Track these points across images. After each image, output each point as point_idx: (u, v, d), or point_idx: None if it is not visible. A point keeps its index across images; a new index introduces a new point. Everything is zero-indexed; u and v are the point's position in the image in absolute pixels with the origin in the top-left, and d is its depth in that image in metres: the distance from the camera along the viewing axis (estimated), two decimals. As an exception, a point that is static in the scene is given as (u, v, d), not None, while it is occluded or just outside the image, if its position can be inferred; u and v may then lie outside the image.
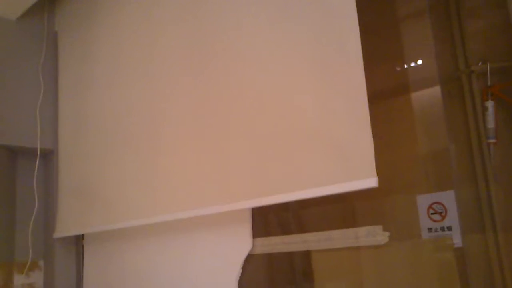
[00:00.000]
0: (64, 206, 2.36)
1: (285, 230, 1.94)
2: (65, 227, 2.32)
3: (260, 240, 1.50)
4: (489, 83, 1.51)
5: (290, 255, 1.63)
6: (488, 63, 1.51)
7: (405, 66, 1.65)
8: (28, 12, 2.39)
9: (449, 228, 1.50)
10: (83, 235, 2.44)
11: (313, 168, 1.30)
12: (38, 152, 2.40)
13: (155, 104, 1.88)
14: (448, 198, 1.52)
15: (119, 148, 2.05)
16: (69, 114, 2.42)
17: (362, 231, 1.24)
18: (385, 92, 1.63)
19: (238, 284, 1.57)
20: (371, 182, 1.16)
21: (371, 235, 1.21)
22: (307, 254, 1.39)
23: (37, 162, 2.41)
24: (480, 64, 1.53)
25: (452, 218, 1.50)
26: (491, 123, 1.49)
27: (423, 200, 1.57)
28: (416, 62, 1.63)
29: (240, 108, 1.55)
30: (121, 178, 2.01)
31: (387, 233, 1.17)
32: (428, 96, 1.60)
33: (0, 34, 2.36)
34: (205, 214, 1.60)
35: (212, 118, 1.64)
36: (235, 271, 1.57)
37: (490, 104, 1.49)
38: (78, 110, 2.35)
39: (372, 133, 1.18)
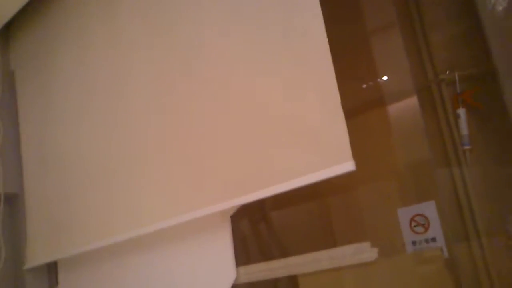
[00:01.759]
0: (34, 235, 2.27)
1: (267, 255, 1.90)
2: (36, 256, 2.23)
3: (243, 269, 1.45)
4: (458, 91, 1.52)
5: (275, 281, 1.59)
6: (455, 71, 1.53)
7: (378, 80, 1.66)
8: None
9: (433, 240, 1.49)
10: (56, 265, 2.33)
11: (289, 160, 1.29)
12: (2, 198, 2.29)
13: (120, 117, 1.87)
14: (429, 208, 1.51)
15: (86, 172, 2.01)
16: (33, 154, 2.33)
17: (349, 249, 1.21)
18: (360, 107, 1.63)
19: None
20: (348, 166, 1.16)
21: (358, 252, 1.18)
22: (293, 279, 1.35)
23: (0, 208, 2.29)
24: (447, 72, 1.55)
25: (435, 229, 1.48)
26: (464, 130, 1.50)
27: (405, 213, 1.55)
28: (388, 74, 1.64)
29: (208, 110, 1.54)
30: (91, 198, 1.97)
31: (376, 249, 1.15)
32: (402, 108, 1.60)
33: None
34: (181, 227, 1.57)
35: (179, 121, 1.62)
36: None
37: (461, 111, 1.50)
38: (43, 148, 2.27)
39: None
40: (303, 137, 1.27)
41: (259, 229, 1.94)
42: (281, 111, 1.33)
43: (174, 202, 1.60)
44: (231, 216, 1.53)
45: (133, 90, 1.83)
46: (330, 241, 1.80)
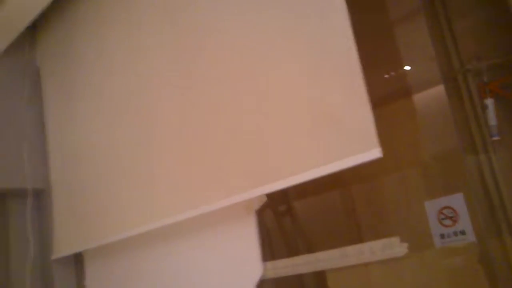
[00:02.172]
0: (60, 227, 2.30)
1: (292, 249, 1.89)
2: (63, 246, 2.26)
3: (270, 264, 1.44)
4: (485, 80, 1.49)
5: (301, 277, 1.59)
6: (482, 61, 1.50)
7: (403, 69, 1.63)
8: (8, 50, 2.35)
9: (462, 232, 1.47)
10: (82, 256, 2.36)
11: (314, 148, 1.27)
12: (29, 193, 2.33)
13: (144, 113, 1.87)
14: (457, 201, 1.49)
15: (110, 165, 2.02)
16: (58, 150, 2.37)
17: (377, 244, 1.19)
18: (386, 98, 1.61)
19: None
20: (375, 152, 1.13)
21: (387, 248, 1.17)
22: (320, 274, 1.34)
23: (28, 204, 2.34)
24: (474, 62, 1.52)
25: (464, 222, 1.46)
26: (493, 120, 1.46)
27: (432, 206, 1.53)
28: (414, 64, 1.62)
29: (230, 98, 1.52)
30: (116, 190, 1.98)
31: (405, 244, 1.13)
32: (428, 98, 1.57)
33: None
34: (207, 220, 1.57)
35: (202, 110, 1.62)
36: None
37: (489, 101, 1.47)
38: (67, 143, 2.30)
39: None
40: (328, 125, 1.25)
41: (284, 222, 1.94)
42: (305, 98, 1.32)
43: (199, 192, 1.60)
44: (256, 211, 1.53)
45: (154, 84, 1.83)
46: (355, 234, 1.79)
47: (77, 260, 2.40)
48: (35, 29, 2.55)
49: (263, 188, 1.38)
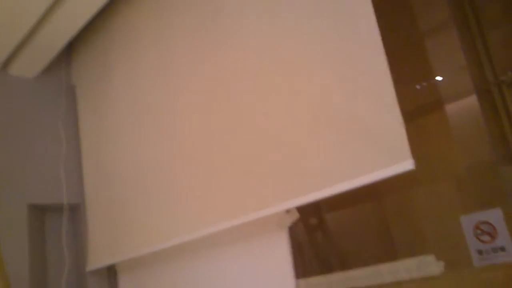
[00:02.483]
0: (95, 240, 2.35)
1: (325, 265, 1.87)
2: (97, 259, 2.30)
3: (303, 281, 1.43)
4: (522, 92, 1.45)
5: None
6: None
7: (435, 82, 1.61)
8: (46, 69, 2.42)
9: (502, 249, 1.42)
10: (115, 268, 2.41)
11: (347, 160, 1.27)
12: (65, 208, 2.38)
13: (173, 129, 1.90)
14: (495, 216, 1.45)
15: (143, 180, 2.06)
16: (93, 166, 2.42)
17: (412, 262, 1.17)
18: (418, 110, 1.58)
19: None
20: (407, 164, 1.13)
21: (423, 266, 1.14)
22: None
23: (64, 218, 2.39)
24: (509, 73, 1.48)
25: (504, 238, 1.42)
26: (531, 133, 1.42)
27: (468, 221, 1.49)
28: (446, 76, 1.59)
29: (265, 110, 1.53)
30: (148, 204, 2.01)
31: (442, 263, 1.10)
32: (461, 110, 1.54)
33: (20, 94, 2.39)
34: (239, 236, 1.59)
35: (232, 125, 1.63)
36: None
37: (526, 113, 1.43)
38: (101, 159, 2.35)
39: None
40: (360, 137, 1.25)
41: (316, 236, 1.92)
42: (337, 111, 1.31)
43: (230, 205, 1.61)
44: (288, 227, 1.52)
45: (183, 101, 1.86)
46: (389, 249, 1.76)
47: (111, 273, 2.45)
48: (70, 48, 2.62)
49: (295, 200, 1.38)
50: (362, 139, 1.24)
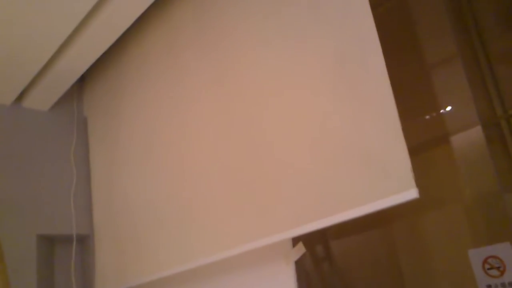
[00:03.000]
0: (103, 268, 2.35)
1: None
2: (104, 284, 2.30)
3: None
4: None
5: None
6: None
7: (443, 115, 1.62)
8: (58, 102, 2.47)
9: (511, 284, 1.40)
10: None
11: (350, 188, 1.27)
12: (74, 239, 2.39)
13: (183, 160, 1.92)
14: (504, 250, 1.43)
15: (151, 208, 2.08)
16: (102, 197, 2.43)
17: (418, 298, 1.15)
18: (424, 144, 1.59)
19: None
20: (411, 193, 1.12)
21: (429, 301, 1.13)
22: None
23: (73, 249, 2.40)
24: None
25: (513, 273, 1.40)
26: (539, 167, 1.42)
27: (477, 255, 1.48)
28: (453, 110, 1.60)
29: (269, 135, 1.54)
30: (156, 230, 2.03)
31: (448, 299, 1.09)
32: (469, 144, 1.54)
33: (33, 126, 2.44)
34: (244, 271, 1.60)
35: (242, 155, 1.64)
36: None
37: (534, 147, 1.43)
38: (111, 190, 2.36)
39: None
40: (364, 165, 1.25)
41: (322, 268, 1.91)
42: (341, 138, 1.32)
43: (238, 232, 1.61)
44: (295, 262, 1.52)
45: (193, 132, 1.88)
46: (397, 283, 1.74)
47: None
48: (83, 81, 2.68)
49: (300, 229, 1.38)
50: (366, 167, 1.25)
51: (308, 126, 1.42)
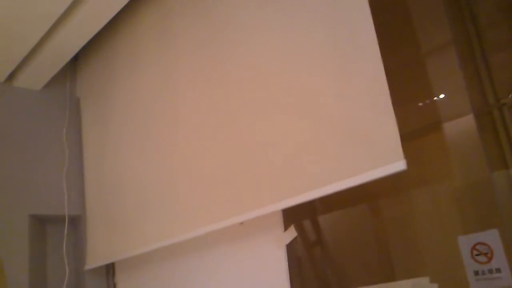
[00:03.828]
0: (93, 239, 2.38)
1: (323, 283, 1.87)
2: (95, 258, 2.34)
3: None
4: (522, 115, 1.46)
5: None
6: (519, 95, 1.47)
7: (436, 103, 1.62)
8: (51, 81, 2.45)
9: (498, 270, 1.42)
10: (114, 267, 2.44)
11: (340, 160, 1.30)
12: (67, 219, 2.39)
13: (172, 134, 1.94)
14: (492, 237, 1.45)
15: (142, 182, 2.10)
16: (94, 177, 2.43)
17: (406, 284, 1.17)
18: (417, 131, 1.59)
19: None
20: (400, 165, 1.15)
21: (417, 288, 1.14)
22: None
23: (65, 229, 2.40)
24: (511, 96, 1.49)
25: (500, 259, 1.42)
26: (529, 156, 1.43)
27: (465, 241, 1.50)
28: (446, 97, 1.60)
29: (260, 110, 1.56)
30: (145, 204, 2.05)
31: (436, 285, 1.11)
32: (461, 132, 1.55)
33: (25, 105, 2.42)
34: (235, 250, 1.61)
35: (232, 127, 1.66)
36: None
37: (525, 136, 1.44)
38: (103, 171, 2.37)
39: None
40: (354, 138, 1.27)
41: (314, 254, 1.92)
42: (331, 112, 1.34)
43: (227, 205, 1.63)
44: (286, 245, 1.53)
45: (184, 111, 1.90)
46: (387, 268, 1.76)
47: (109, 272, 2.50)
48: (76, 61, 2.66)
49: (289, 200, 1.41)
50: (356, 140, 1.27)
51: (298, 100, 1.44)
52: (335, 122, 1.32)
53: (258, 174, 1.52)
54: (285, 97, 1.48)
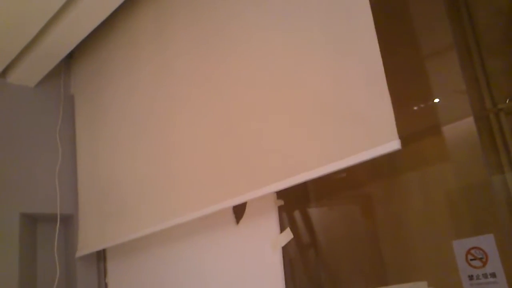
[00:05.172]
0: (85, 226, 2.37)
1: (316, 285, 1.86)
2: (86, 245, 2.33)
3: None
4: (519, 121, 1.47)
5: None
6: (516, 101, 1.48)
7: (434, 106, 1.62)
8: (45, 78, 2.43)
9: (493, 275, 1.42)
10: (105, 256, 2.44)
11: (335, 141, 1.30)
12: (58, 218, 2.37)
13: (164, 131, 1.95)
14: (487, 242, 1.45)
15: (134, 167, 2.12)
16: (88, 175, 2.42)
17: (404, 288, 1.17)
18: (415, 134, 1.59)
19: None
20: (394, 144, 1.16)
21: (414, 291, 1.14)
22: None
23: (57, 228, 2.37)
24: (507, 101, 1.49)
25: (495, 264, 1.42)
26: (526, 162, 1.43)
27: (460, 246, 1.50)
28: (444, 101, 1.60)
29: (256, 92, 1.56)
30: (137, 190, 2.06)
31: (433, 290, 1.10)
32: (458, 136, 1.55)
33: (18, 102, 2.40)
34: (229, 247, 1.62)
35: (226, 102, 1.66)
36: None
37: (522, 141, 1.44)
38: (97, 170, 2.36)
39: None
40: (348, 118, 1.27)
41: (308, 256, 1.92)
42: (326, 93, 1.34)
43: (219, 189, 1.63)
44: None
45: (179, 109, 1.89)
46: (381, 271, 1.76)
47: (100, 259, 2.49)
48: (71, 58, 2.64)
49: (285, 182, 1.40)
50: (350, 120, 1.27)
51: (294, 83, 1.44)
52: (330, 103, 1.33)
53: (252, 157, 1.52)
54: (281, 78, 1.48)
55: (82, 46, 2.47)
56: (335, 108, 1.31)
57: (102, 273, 2.45)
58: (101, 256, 2.48)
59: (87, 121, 2.47)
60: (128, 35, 2.25)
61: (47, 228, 2.41)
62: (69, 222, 2.47)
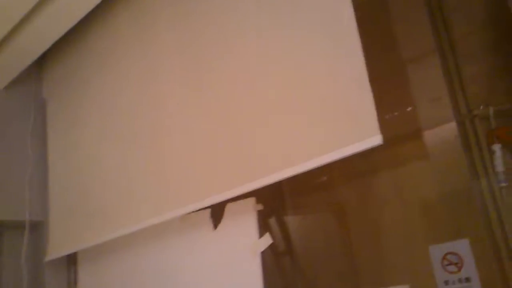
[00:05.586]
0: (54, 230, 2.32)
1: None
2: (56, 249, 2.27)
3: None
4: (493, 126, 1.48)
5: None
6: (490, 106, 1.50)
7: (415, 109, 1.63)
8: (15, 81, 2.37)
9: (468, 280, 1.43)
10: (75, 261, 2.37)
11: (316, 137, 1.31)
12: (27, 225, 2.30)
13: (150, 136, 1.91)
14: (462, 247, 1.46)
15: (103, 169, 2.10)
16: (59, 182, 2.36)
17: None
18: (395, 138, 1.61)
19: None
20: (376, 139, 1.16)
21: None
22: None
23: (25, 236, 2.30)
24: (482, 107, 1.52)
25: (469, 269, 1.43)
26: (500, 167, 1.45)
27: (437, 251, 1.51)
28: (422, 107, 1.62)
29: (242, 87, 1.55)
30: (107, 191, 2.04)
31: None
32: (441, 140, 1.57)
33: (-13, 105, 2.33)
34: (209, 255, 1.61)
35: (213, 98, 1.65)
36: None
37: (497, 147, 1.46)
38: (69, 176, 2.30)
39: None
40: (330, 113, 1.28)
41: (284, 263, 1.91)
42: (307, 87, 1.35)
43: (194, 189, 1.62)
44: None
45: (164, 113, 1.86)
46: (356, 278, 1.76)
47: (70, 264, 2.42)
48: (43, 60, 2.58)
49: (265, 179, 1.40)
50: (332, 115, 1.28)
51: (271, 76, 1.45)
52: (311, 98, 1.33)
53: (229, 155, 1.52)
54: (268, 74, 1.48)
55: (54, 49, 2.42)
56: (321, 105, 1.31)
57: (72, 279, 2.39)
58: (71, 262, 2.41)
59: (60, 125, 2.42)
60: (105, 36, 2.21)
61: (15, 236, 2.34)
62: (38, 228, 2.40)
